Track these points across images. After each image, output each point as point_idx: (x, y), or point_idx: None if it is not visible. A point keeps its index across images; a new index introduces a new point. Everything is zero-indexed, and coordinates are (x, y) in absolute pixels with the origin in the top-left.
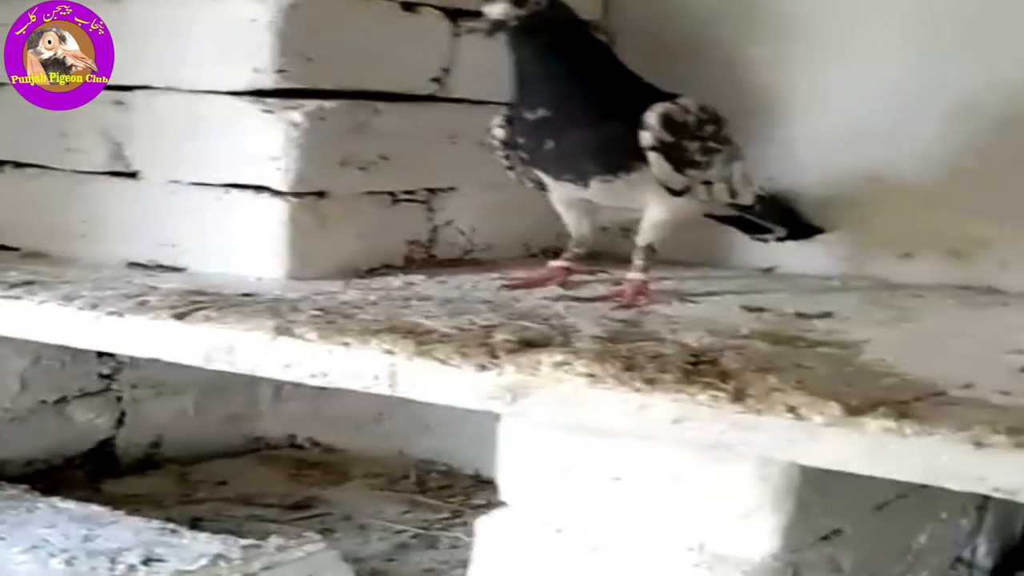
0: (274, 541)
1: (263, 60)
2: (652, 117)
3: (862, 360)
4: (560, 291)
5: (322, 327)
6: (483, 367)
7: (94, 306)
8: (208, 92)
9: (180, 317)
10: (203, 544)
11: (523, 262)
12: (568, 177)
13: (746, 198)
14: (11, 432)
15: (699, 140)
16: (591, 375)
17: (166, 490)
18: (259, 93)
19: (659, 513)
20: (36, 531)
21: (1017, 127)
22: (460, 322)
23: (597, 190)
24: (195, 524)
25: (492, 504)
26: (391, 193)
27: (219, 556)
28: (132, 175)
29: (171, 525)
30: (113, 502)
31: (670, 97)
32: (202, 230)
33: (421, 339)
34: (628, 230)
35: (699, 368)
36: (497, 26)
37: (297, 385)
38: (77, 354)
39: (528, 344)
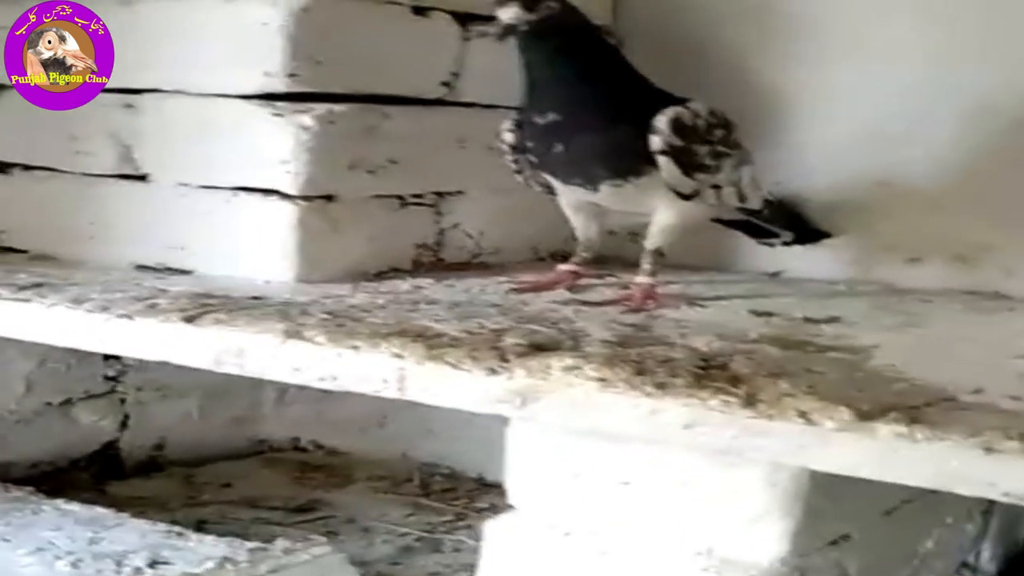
0: (280, 544)
1: (274, 64)
2: (662, 121)
3: (872, 365)
4: (568, 295)
5: (331, 330)
6: (493, 371)
7: (104, 309)
8: (218, 95)
9: (190, 320)
10: (209, 547)
11: (531, 266)
12: (577, 181)
13: (755, 202)
14: (16, 434)
15: (708, 144)
16: (602, 379)
17: (171, 492)
18: (269, 96)
19: (668, 517)
20: (41, 533)
21: None
22: (469, 326)
23: (606, 194)
24: (200, 527)
25: (496, 507)
26: (400, 197)
27: (225, 559)
28: (141, 178)
29: (177, 528)
30: (118, 504)
31: (680, 101)
32: (211, 233)
33: (431, 343)
34: (636, 234)
35: (710, 373)
36: (508, 30)
37: (301, 388)
38: (82, 356)
39: (538, 348)
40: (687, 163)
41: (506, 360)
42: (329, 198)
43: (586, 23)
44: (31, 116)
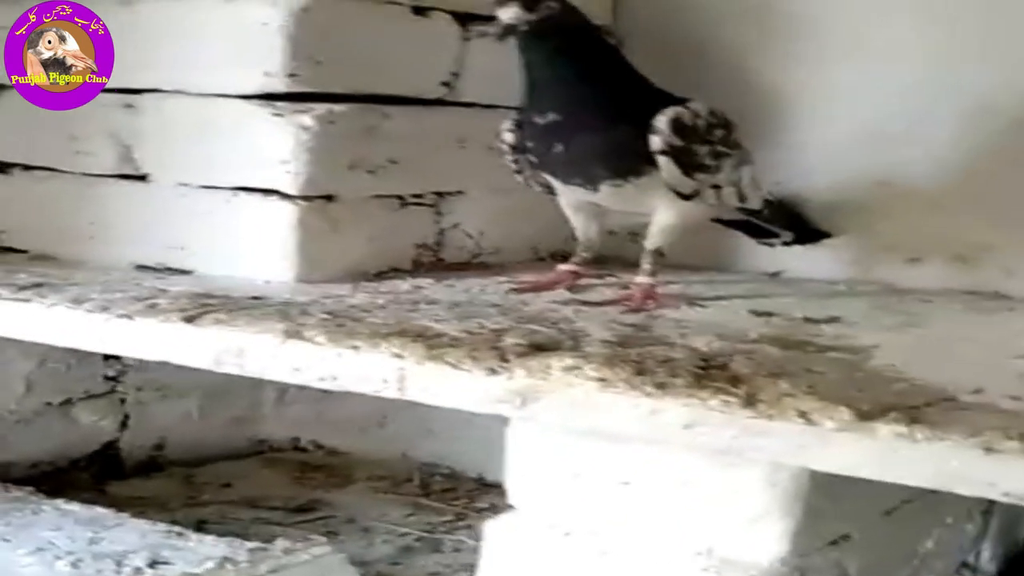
0: (281, 544)
1: (274, 64)
2: (662, 121)
3: (872, 365)
4: (568, 295)
5: (331, 330)
6: (493, 371)
7: (104, 309)
8: (218, 95)
9: (190, 320)
10: (209, 547)
11: (531, 266)
12: (577, 181)
13: (755, 202)
14: (16, 434)
15: (709, 144)
16: (602, 379)
17: (171, 492)
18: (269, 96)
19: (668, 518)
20: (41, 533)
21: None
22: (469, 326)
23: (606, 194)
24: (200, 527)
25: (496, 507)
26: (400, 197)
27: (226, 559)
28: (141, 178)
29: (177, 528)
30: (118, 504)
31: (680, 101)
32: (211, 233)
33: (431, 343)
34: (636, 234)
35: (710, 373)
36: (508, 30)
37: (301, 388)
38: (82, 356)
39: (538, 348)
40: (687, 163)
41: (506, 360)
42: (329, 198)
43: (586, 23)
44: (31, 116)
